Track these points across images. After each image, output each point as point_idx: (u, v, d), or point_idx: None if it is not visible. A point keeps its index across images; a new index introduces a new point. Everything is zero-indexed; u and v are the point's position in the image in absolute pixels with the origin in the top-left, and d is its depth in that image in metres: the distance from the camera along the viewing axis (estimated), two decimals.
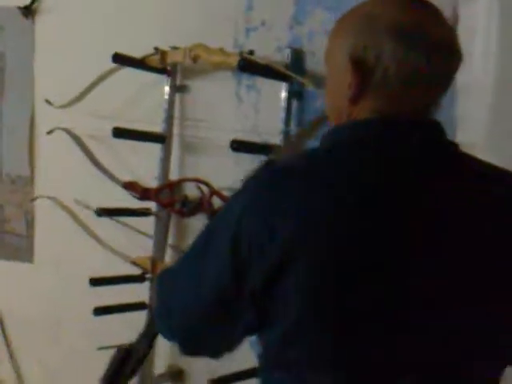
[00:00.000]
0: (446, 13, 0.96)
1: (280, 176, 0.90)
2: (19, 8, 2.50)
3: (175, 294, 0.99)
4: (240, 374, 1.86)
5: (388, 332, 0.87)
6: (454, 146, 0.96)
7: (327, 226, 0.85)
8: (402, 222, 0.86)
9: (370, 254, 0.85)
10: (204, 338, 0.98)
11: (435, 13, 0.93)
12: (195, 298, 0.94)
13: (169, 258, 2.19)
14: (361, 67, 0.91)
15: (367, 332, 0.86)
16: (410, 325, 0.87)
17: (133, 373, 1.25)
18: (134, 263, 2.17)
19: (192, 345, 1.01)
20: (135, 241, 2.27)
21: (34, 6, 2.51)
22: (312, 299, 0.85)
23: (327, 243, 0.84)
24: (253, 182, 0.92)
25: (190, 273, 0.96)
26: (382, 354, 0.87)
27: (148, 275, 2.16)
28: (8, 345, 2.74)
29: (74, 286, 2.43)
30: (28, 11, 2.52)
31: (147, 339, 1.23)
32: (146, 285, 2.18)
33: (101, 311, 2.14)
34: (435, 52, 0.89)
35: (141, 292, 2.18)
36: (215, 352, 0.99)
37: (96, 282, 2.15)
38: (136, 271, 2.17)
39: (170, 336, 1.03)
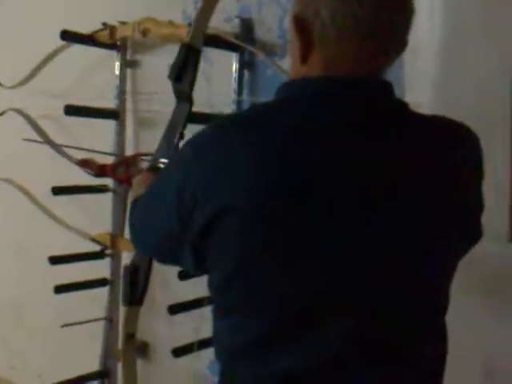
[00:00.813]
0: None
1: (221, 132, 0.93)
2: None
3: (139, 226, 1.11)
4: (203, 343, 1.89)
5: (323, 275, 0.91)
6: (401, 104, 0.98)
7: (264, 173, 0.88)
8: (341, 160, 0.89)
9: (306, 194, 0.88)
10: (166, 259, 1.10)
11: None
12: (151, 235, 1.07)
13: (128, 233, 2.20)
14: (302, 25, 0.94)
15: (301, 276, 0.90)
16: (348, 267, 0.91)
17: (146, 286, 1.52)
18: (94, 240, 2.18)
19: (160, 261, 1.16)
20: (94, 218, 2.28)
21: None
22: (249, 245, 0.90)
23: (264, 190, 0.88)
24: (197, 138, 0.96)
25: (147, 212, 1.07)
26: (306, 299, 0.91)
27: (108, 251, 2.17)
28: None
29: (35, 267, 2.43)
30: None
31: (145, 258, 1.47)
32: (107, 261, 2.19)
33: (61, 289, 2.14)
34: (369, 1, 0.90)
35: (102, 268, 2.19)
36: (182, 268, 1.11)
37: (56, 260, 2.14)
38: (97, 248, 2.18)
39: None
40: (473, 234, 1.04)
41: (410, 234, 0.93)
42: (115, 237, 2.15)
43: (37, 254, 2.40)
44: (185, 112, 1.51)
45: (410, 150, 0.93)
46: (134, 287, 1.53)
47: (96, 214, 2.26)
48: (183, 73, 1.46)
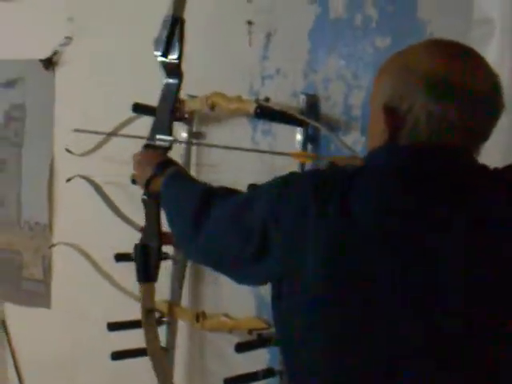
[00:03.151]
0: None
1: (310, 187, 0.98)
2: (41, 60, 2.60)
3: (209, 233, 1.15)
4: (254, 375, 1.89)
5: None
6: (483, 170, 0.99)
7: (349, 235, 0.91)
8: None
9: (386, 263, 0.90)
10: (222, 271, 1.20)
11: (474, 63, 0.96)
12: (219, 246, 1.13)
13: (185, 301, 2.21)
14: (392, 116, 0.96)
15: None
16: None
17: (158, 263, 1.59)
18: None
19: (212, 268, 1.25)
20: None
21: (55, 58, 2.61)
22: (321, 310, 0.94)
23: (344, 252, 0.91)
24: (291, 181, 1.05)
25: (225, 221, 1.12)
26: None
27: (165, 319, 2.18)
28: None
29: (91, 331, 2.45)
30: (49, 63, 2.61)
31: (155, 236, 1.54)
32: (163, 328, 2.19)
33: (118, 356, 2.14)
34: (468, 105, 0.92)
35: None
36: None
37: (113, 326, 2.16)
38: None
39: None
40: None
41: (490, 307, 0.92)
42: (173, 305, 2.16)
43: (93, 317, 2.43)
44: (174, 86, 1.50)
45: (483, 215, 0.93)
46: (148, 264, 1.59)
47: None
48: (170, 46, 1.45)
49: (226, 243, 1.10)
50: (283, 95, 1.95)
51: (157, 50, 1.45)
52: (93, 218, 2.46)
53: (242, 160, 2.07)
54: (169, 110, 1.50)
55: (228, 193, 1.22)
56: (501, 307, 0.92)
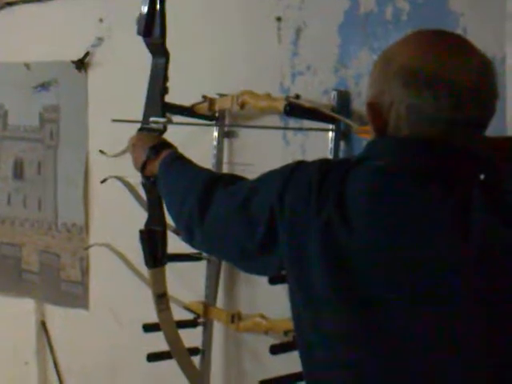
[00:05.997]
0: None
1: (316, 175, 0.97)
2: (73, 62, 2.61)
3: (213, 220, 1.12)
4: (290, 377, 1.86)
5: None
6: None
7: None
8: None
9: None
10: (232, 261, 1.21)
11: (457, 51, 0.91)
12: (226, 235, 1.10)
13: (221, 302, 2.20)
14: (376, 113, 0.94)
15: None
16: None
17: (165, 247, 1.58)
18: (187, 308, 2.18)
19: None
20: (187, 286, 2.29)
21: (87, 59, 2.62)
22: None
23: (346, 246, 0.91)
24: (301, 169, 1.02)
25: (229, 210, 1.09)
26: None
27: (200, 320, 2.17)
28: None
29: (128, 332, 2.46)
30: (81, 64, 2.62)
31: (159, 220, 1.54)
32: (199, 329, 2.19)
33: (154, 357, 2.14)
34: (447, 96, 0.87)
35: (193, 337, 2.19)
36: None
37: (149, 328, 2.16)
38: (189, 316, 2.18)
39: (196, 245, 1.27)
40: None
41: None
42: (208, 305, 2.16)
43: (130, 318, 2.45)
44: (162, 66, 1.46)
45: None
46: (154, 249, 1.58)
47: (190, 282, 2.28)
48: (152, 25, 1.41)
49: (233, 232, 1.07)
50: (314, 92, 1.92)
51: (139, 31, 1.42)
52: (128, 219, 2.45)
53: (274, 159, 2.04)
54: (159, 91, 1.47)
55: (234, 179, 1.20)
56: None
